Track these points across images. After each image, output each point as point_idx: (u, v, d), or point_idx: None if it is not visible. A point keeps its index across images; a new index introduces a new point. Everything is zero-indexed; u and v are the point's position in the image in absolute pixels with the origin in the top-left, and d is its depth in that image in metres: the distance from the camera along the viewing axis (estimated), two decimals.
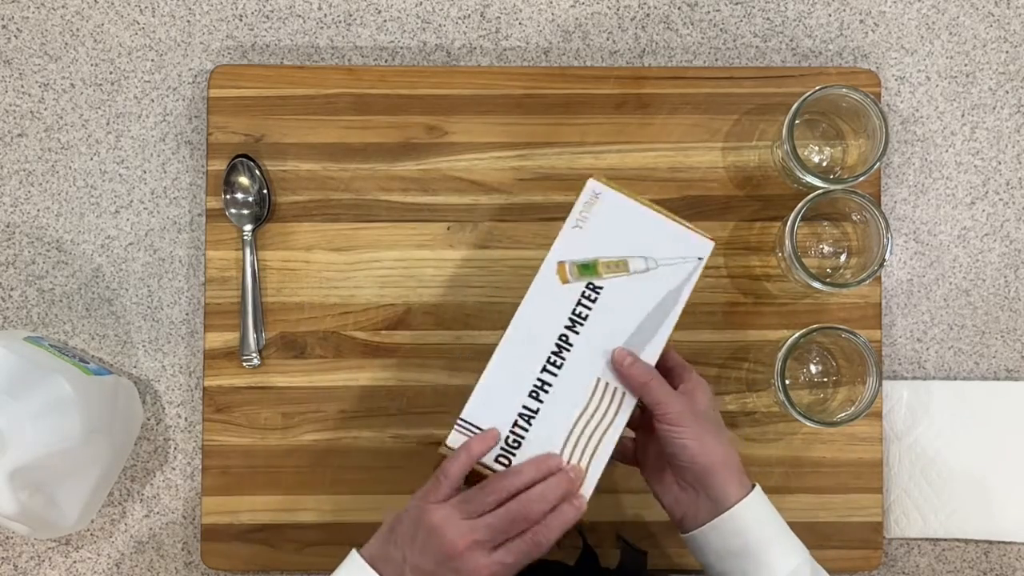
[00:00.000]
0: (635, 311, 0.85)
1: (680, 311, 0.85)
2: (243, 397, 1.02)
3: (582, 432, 0.82)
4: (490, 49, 1.07)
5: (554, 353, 0.83)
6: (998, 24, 1.07)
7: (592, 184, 0.88)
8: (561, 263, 0.85)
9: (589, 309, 0.84)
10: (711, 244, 0.87)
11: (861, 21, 1.07)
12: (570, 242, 0.86)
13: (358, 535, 0.84)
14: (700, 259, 0.87)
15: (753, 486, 0.83)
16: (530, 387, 0.82)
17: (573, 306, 0.84)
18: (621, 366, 0.82)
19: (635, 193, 0.88)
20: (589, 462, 0.82)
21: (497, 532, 0.78)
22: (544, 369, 0.83)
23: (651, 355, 0.84)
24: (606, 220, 0.87)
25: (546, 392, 0.82)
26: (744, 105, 1.03)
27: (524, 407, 0.82)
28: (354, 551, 0.81)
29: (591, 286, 0.85)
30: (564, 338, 0.83)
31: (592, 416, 0.82)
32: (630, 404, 0.83)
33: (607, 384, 0.83)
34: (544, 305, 0.84)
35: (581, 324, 0.84)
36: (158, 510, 1.05)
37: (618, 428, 0.82)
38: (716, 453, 0.81)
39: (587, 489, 0.81)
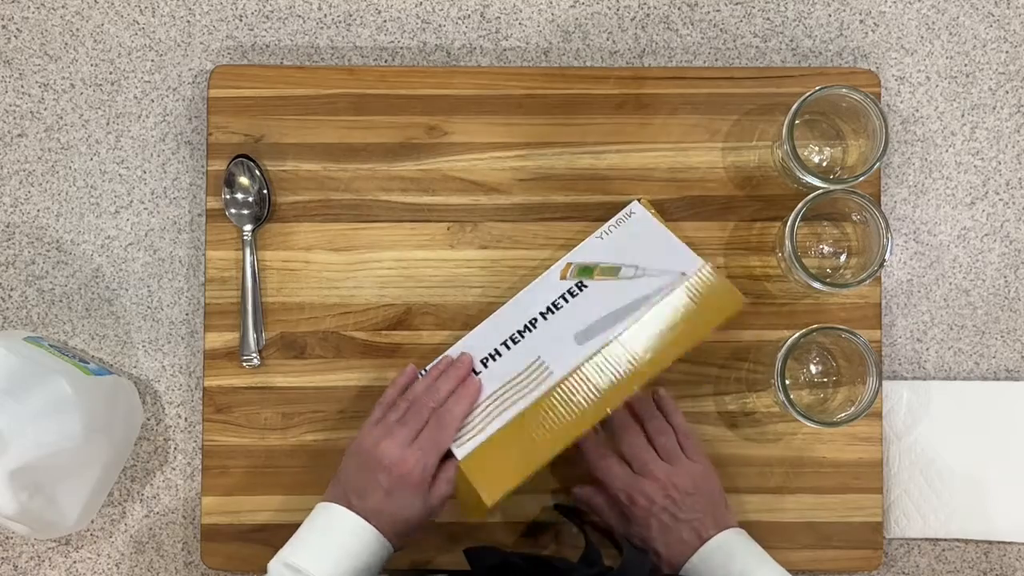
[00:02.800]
0: (600, 308, 0.93)
1: (646, 317, 0.91)
2: (243, 397, 1.02)
3: (501, 395, 0.91)
4: (490, 49, 1.07)
5: (519, 332, 0.93)
6: (998, 24, 1.07)
7: (632, 205, 0.98)
8: (568, 264, 0.96)
9: (567, 302, 0.94)
10: (698, 262, 0.93)
11: (861, 21, 1.07)
12: (588, 248, 0.96)
13: None
14: (683, 274, 0.93)
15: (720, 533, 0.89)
16: (484, 354, 0.93)
17: (556, 298, 0.94)
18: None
19: (665, 220, 0.97)
20: (491, 418, 0.90)
21: (407, 428, 0.88)
22: (504, 343, 0.93)
23: (593, 346, 0.91)
24: (627, 235, 0.96)
25: (494, 360, 0.93)
26: (744, 105, 1.03)
27: (473, 370, 0.93)
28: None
29: (580, 284, 0.94)
30: (533, 322, 0.93)
31: (516, 385, 0.91)
32: (550, 383, 0.91)
33: (543, 363, 0.91)
34: (538, 294, 0.95)
35: (552, 313, 0.94)
36: (158, 510, 1.05)
37: (529, 400, 0.90)
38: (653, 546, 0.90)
39: (475, 440, 0.89)
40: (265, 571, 0.85)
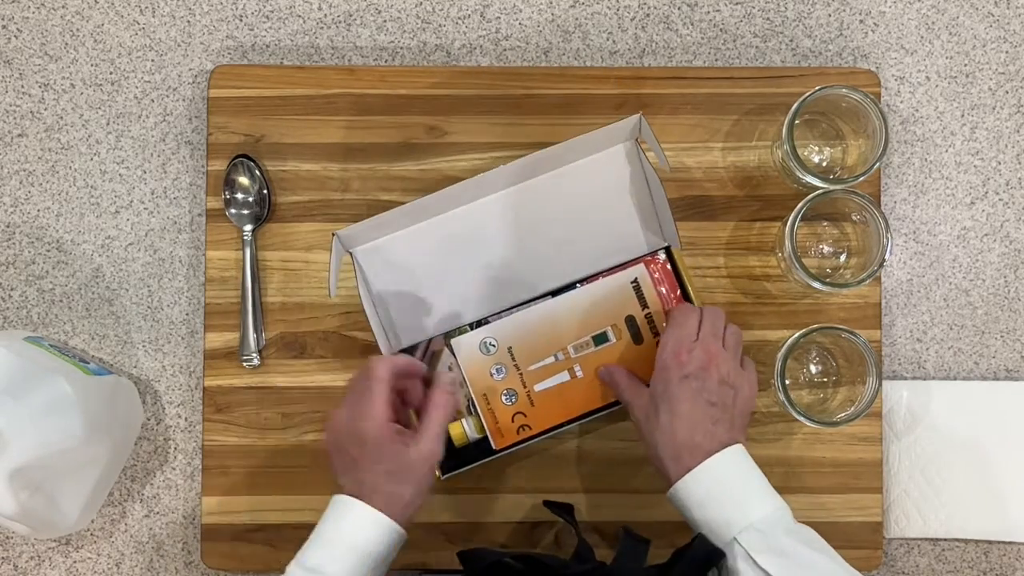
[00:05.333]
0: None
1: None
2: (243, 397, 1.02)
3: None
4: (490, 49, 1.07)
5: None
6: (998, 24, 1.07)
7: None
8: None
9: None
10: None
11: (861, 21, 1.07)
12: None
13: None
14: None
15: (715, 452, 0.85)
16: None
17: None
18: (602, 380, 0.95)
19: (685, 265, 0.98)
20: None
21: (347, 393, 0.88)
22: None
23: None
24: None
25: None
26: (744, 105, 1.03)
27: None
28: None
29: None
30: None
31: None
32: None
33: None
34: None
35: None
36: (158, 510, 1.05)
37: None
38: (651, 452, 0.88)
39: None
40: (282, 571, 0.84)
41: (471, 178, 0.93)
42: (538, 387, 0.94)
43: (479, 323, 0.95)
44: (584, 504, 1.00)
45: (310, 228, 1.03)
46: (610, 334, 0.95)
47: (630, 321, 0.94)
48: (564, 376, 0.95)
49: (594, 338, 0.94)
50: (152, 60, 1.07)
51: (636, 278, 0.95)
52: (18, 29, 1.07)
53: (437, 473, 0.93)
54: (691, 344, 0.89)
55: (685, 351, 0.88)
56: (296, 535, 1.01)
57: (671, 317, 0.92)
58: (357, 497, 0.83)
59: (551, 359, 0.94)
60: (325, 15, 1.07)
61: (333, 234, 0.89)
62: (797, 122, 0.95)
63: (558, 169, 0.96)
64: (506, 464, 1.00)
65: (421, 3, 1.07)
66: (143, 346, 1.05)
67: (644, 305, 0.95)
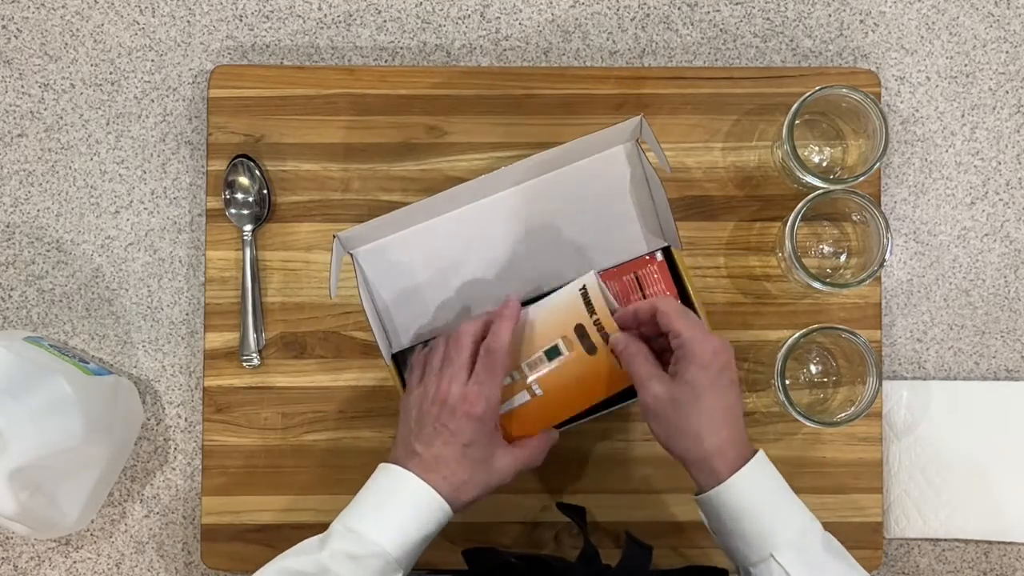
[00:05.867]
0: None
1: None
2: (243, 397, 1.02)
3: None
4: (490, 49, 1.07)
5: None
6: (998, 24, 1.07)
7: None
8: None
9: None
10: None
11: (861, 21, 1.07)
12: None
13: None
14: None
15: (746, 461, 0.81)
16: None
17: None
18: (616, 350, 0.85)
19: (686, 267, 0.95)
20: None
21: (455, 365, 0.84)
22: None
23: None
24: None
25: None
26: (744, 105, 1.03)
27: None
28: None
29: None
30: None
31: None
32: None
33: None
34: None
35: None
36: (158, 510, 1.05)
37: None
38: (679, 445, 0.82)
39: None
40: (327, 530, 0.82)
41: (472, 180, 0.93)
42: (501, 409, 0.87)
43: None
44: (584, 504, 1.00)
45: (310, 228, 1.03)
46: (562, 347, 0.87)
47: (580, 330, 0.87)
48: (524, 396, 0.88)
49: (546, 353, 0.87)
50: (152, 60, 1.07)
51: (584, 285, 0.88)
52: (18, 29, 1.07)
53: None
54: (708, 331, 0.83)
55: (712, 339, 0.82)
56: (296, 535, 1.01)
57: (669, 309, 0.83)
58: (411, 465, 0.82)
59: (508, 379, 0.87)
60: (325, 15, 1.07)
61: (334, 236, 0.89)
62: (797, 122, 0.95)
63: (558, 170, 0.96)
64: None
65: (421, 3, 1.07)
66: (143, 346, 1.05)
67: (592, 312, 0.87)
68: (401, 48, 1.07)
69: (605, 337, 0.86)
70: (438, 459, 0.82)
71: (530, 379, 0.88)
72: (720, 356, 0.81)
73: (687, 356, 0.81)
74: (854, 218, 1.00)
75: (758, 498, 0.80)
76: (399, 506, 0.81)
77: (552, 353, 0.87)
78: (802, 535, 0.80)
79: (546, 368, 0.87)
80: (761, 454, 0.82)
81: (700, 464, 0.81)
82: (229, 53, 1.07)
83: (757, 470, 0.81)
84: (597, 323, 0.86)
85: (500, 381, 0.84)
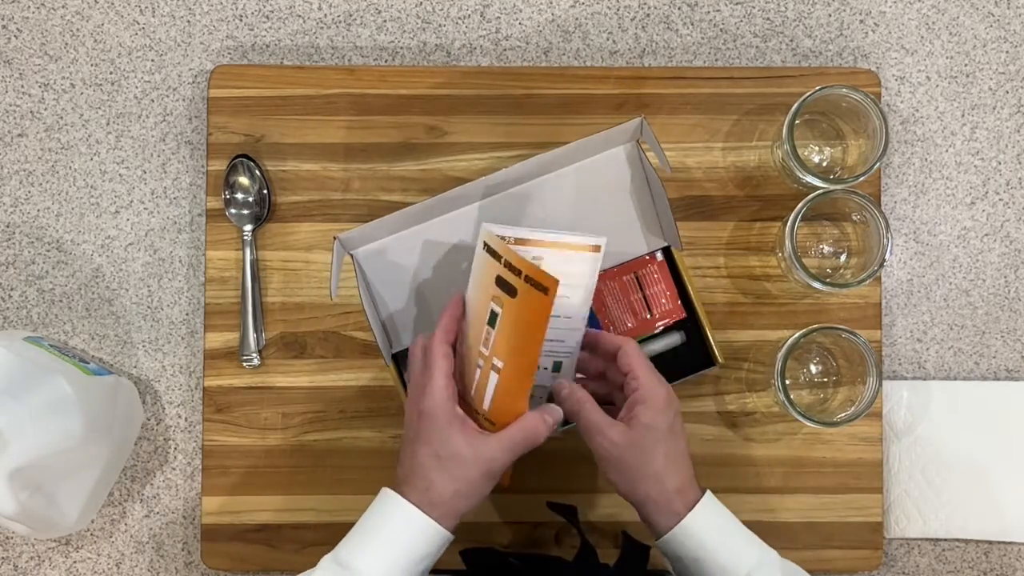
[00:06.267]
0: None
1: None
2: (243, 397, 1.02)
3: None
4: (490, 49, 1.07)
5: None
6: (998, 24, 1.07)
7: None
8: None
9: None
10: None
11: (861, 21, 1.07)
12: None
13: None
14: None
15: (699, 500, 0.82)
16: None
17: None
18: (558, 396, 0.85)
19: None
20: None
21: (412, 377, 0.85)
22: None
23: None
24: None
25: None
26: (744, 105, 1.03)
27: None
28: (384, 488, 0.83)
29: None
30: None
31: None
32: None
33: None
34: None
35: None
36: (158, 510, 1.05)
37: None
38: (641, 488, 0.83)
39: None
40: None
41: (472, 181, 0.93)
42: (485, 405, 0.86)
43: None
44: (582, 504, 1.00)
45: (310, 228, 1.03)
46: (495, 308, 0.84)
47: (500, 282, 0.83)
48: (494, 378, 0.85)
49: (488, 323, 0.84)
50: (152, 60, 1.07)
51: (483, 240, 0.85)
52: (18, 29, 1.07)
53: None
54: (662, 377, 0.85)
55: (667, 386, 0.84)
56: (296, 535, 1.02)
57: (632, 351, 0.84)
58: (404, 481, 0.81)
59: (477, 372, 0.85)
60: (325, 15, 1.07)
61: (335, 237, 0.89)
62: (797, 122, 0.95)
63: (559, 171, 0.96)
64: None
65: (421, 3, 1.07)
66: (143, 346, 1.05)
67: (498, 258, 0.83)
68: (401, 48, 1.07)
69: (518, 273, 0.83)
70: (414, 471, 0.81)
71: (491, 357, 0.85)
72: (673, 402, 0.84)
73: (644, 400, 0.82)
74: (854, 218, 1.00)
75: (715, 533, 0.83)
76: (387, 533, 0.80)
77: (492, 320, 0.85)
78: (760, 565, 0.82)
79: (493, 336, 0.85)
80: (709, 493, 0.84)
81: (662, 505, 0.82)
82: (229, 53, 1.07)
83: (711, 506, 0.83)
84: (507, 264, 0.83)
85: (443, 372, 0.82)
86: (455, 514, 0.81)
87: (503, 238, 0.84)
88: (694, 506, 0.82)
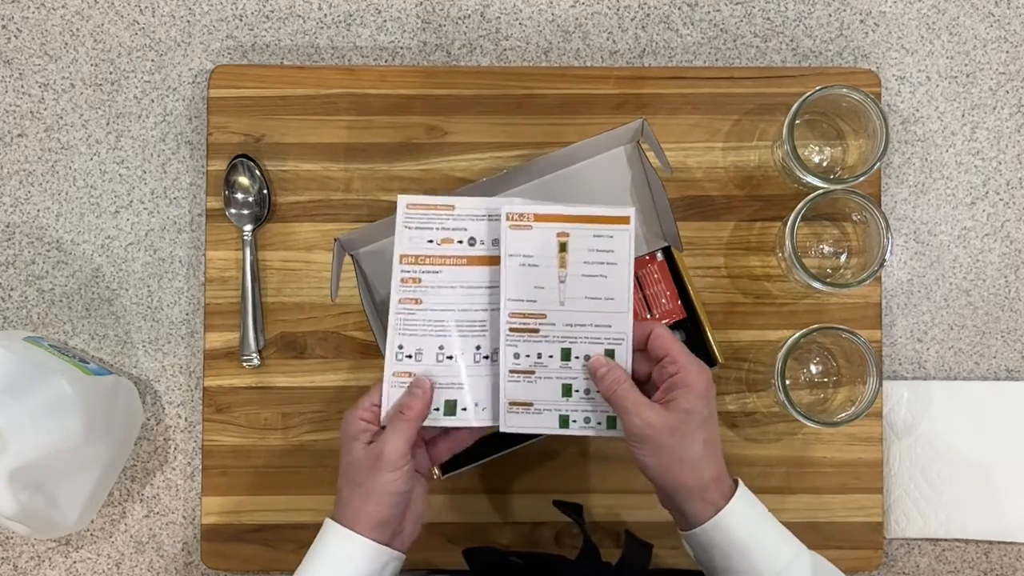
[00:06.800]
0: None
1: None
2: (243, 397, 1.02)
3: None
4: (490, 49, 1.07)
5: None
6: (998, 24, 1.07)
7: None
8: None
9: None
10: None
11: (861, 21, 1.07)
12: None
13: None
14: None
15: (733, 491, 0.80)
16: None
17: None
18: (594, 375, 0.83)
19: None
20: None
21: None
22: None
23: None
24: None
25: None
26: (744, 105, 1.03)
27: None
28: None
29: None
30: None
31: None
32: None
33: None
34: None
35: None
36: (158, 510, 1.05)
37: None
38: (678, 475, 0.80)
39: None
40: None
41: (473, 183, 0.93)
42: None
43: None
44: (584, 503, 1.00)
45: (310, 228, 1.03)
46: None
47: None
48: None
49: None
50: (152, 60, 1.07)
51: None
52: (18, 29, 1.07)
53: (437, 473, 0.93)
54: (703, 364, 0.82)
55: (708, 371, 0.82)
56: (296, 535, 1.02)
57: (665, 334, 0.82)
58: (341, 516, 0.82)
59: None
60: (325, 15, 1.07)
61: (335, 240, 0.89)
62: (797, 122, 0.95)
63: (559, 172, 0.96)
64: (507, 464, 1.00)
65: (421, 3, 1.07)
66: (143, 346, 1.05)
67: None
68: (401, 48, 1.07)
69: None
70: (345, 503, 0.82)
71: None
72: (712, 388, 0.81)
73: (684, 384, 0.80)
74: (854, 218, 1.00)
75: (750, 527, 0.80)
76: (327, 557, 0.82)
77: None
78: (791, 564, 0.80)
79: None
80: (742, 483, 0.82)
81: (699, 493, 0.80)
82: (229, 53, 1.07)
83: (746, 499, 0.81)
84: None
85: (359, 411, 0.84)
86: (373, 522, 0.81)
87: (522, 215, 0.84)
88: (731, 496, 0.79)
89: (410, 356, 0.85)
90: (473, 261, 0.86)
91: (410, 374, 0.85)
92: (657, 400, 0.81)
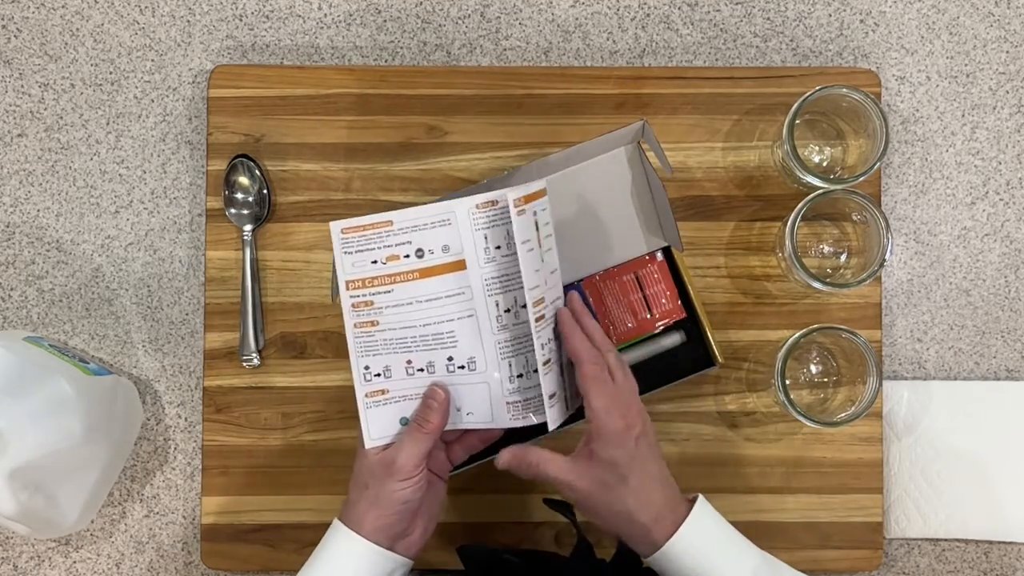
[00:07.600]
0: None
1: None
2: (243, 397, 1.02)
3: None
4: (490, 49, 1.07)
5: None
6: (998, 24, 1.07)
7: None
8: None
9: None
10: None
11: (861, 21, 1.07)
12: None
13: None
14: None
15: (686, 516, 0.81)
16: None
17: None
18: (501, 461, 0.84)
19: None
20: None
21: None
22: None
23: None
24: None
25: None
26: (744, 105, 1.03)
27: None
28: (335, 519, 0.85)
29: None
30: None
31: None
32: None
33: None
34: None
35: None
36: (158, 510, 1.05)
37: None
38: (618, 526, 0.82)
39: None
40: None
41: (474, 184, 0.93)
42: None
43: None
44: None
45: (310, 228, 1.03)
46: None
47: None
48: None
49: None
50: (152, 60, 1.07)
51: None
52: (18, 29, 1.07)
53: None
54: (622, 400, 0.81)
55: (625, 410, 0.81)
56: (296, 535, 1.02)
57: (589, 375, 0.81)
58: (350, 520, 0.83)
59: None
60: (325, 15, 1.07)
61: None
62: (797, 122, 0.95)
63: (560, 172, 0.96)
64: None
65: (421, 3, 1.07)
66: (143, 346, 1.05)
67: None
68: (401, 48, 1.07)
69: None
70: (353, 507, 0.83)
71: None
72: (632, 429, 0.81)
73: (600, 434, 0.80)
74: (854, 218, 1.00)
75: (702, 551, 0.81)
76: (331, 561, 0.82)
77: None
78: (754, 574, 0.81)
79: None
80: (700, 503, 0.82)
81: (639, 537, 0.82)
82: (229, 53, 1.07)
83: (696, 525, 0.81)
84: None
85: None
86: (375, 527, 0.82)
87: (517, 200, 0.80)
88: (675, 531, 0.80)
89: (379, 375, 0.84)
90: (426, 273, 0.82)
91: (383, 391, 0.84)
92: (581, 452, 0.82)
